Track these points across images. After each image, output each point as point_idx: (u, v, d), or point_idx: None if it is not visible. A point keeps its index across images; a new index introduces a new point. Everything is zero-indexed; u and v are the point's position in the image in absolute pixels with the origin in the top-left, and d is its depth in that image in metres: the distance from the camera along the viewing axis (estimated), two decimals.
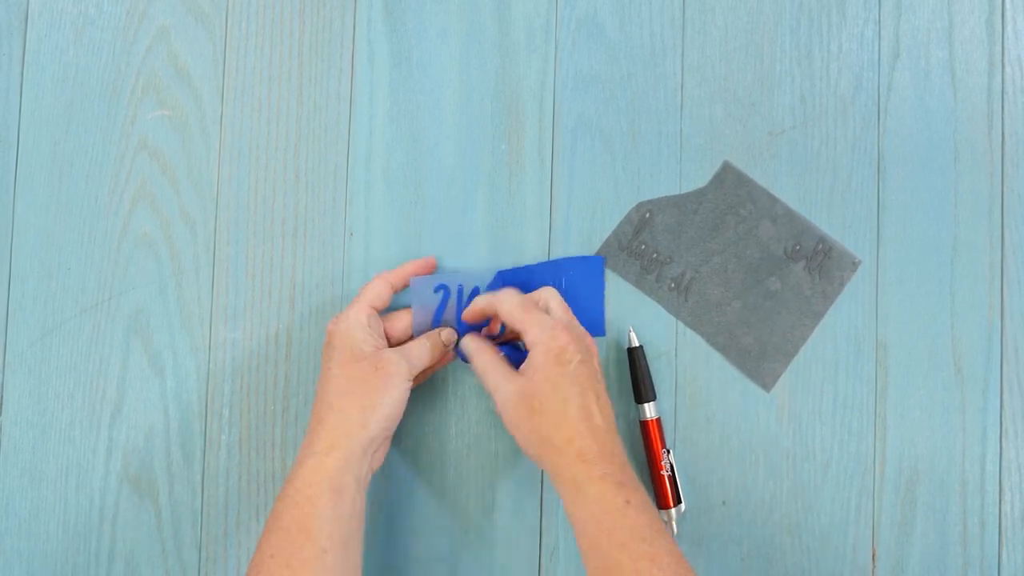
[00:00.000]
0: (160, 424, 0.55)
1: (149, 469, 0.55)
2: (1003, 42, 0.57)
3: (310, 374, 0.56)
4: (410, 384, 0.50)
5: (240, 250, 0.56)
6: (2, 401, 0.56)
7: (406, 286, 0.54)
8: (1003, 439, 0.55)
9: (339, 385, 0.49)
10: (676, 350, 0.56)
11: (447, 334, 0.53)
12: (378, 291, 0.53)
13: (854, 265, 0.56)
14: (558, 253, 0.56)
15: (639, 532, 0.45)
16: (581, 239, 0.56)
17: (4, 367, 0.56)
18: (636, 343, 0.55)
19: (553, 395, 0.47)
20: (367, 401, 0.49)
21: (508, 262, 0.56)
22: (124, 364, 0.56)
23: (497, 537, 0.55)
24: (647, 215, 0.56)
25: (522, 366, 0.49)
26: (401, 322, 0.54)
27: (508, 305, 0.50)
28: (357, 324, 0.51)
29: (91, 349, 0.56)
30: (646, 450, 0.54)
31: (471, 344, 0.52)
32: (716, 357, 0.56)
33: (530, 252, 0.56)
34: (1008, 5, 0.57)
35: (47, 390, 0.56)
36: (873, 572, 0.54)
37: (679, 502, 0.54)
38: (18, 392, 0.56)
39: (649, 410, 0.54)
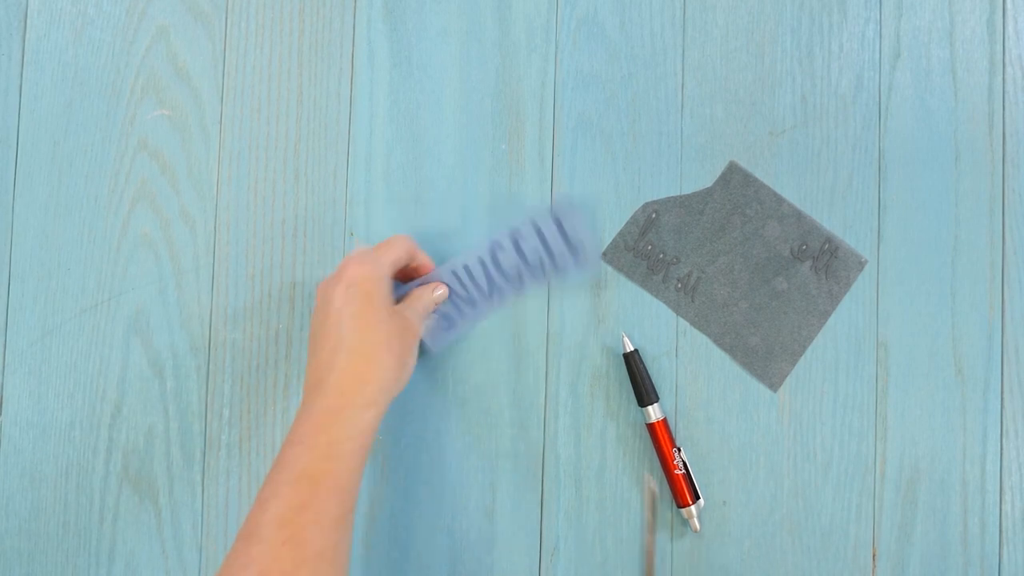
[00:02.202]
0: (160, 424, 0.55)
1: (149, 469, 0.55)
2: (1004, 42, 0.57)
3: None
4: None
5: (240, 250, 0.56)
6: (2, 401, 0.56)
7: (413, 272, 0.54)
8: (1003, 439, 0.55)
9: (377, 337, 0.46)
10: (676, 350, 0.56)
11: (440, 294, 0.53)
12: (401, 259, 0.50)
13: (860, 265, 0.56)
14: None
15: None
16: None
17: (4, 367, 0.56)
18: (630, 348, 0.54)
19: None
20: (403, 360, 0.48)
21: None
22: (124, 364, 0.56)
23: (497, 537, 0.55)
24: (653, 215, 0.56)
25: None
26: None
27: None
28: (384, 277, 0.48)
29: (91, 349, 0.56)
30: (657, 451, 0.54)
31: None
32: (717, 357, 0.56)
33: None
34: (1009, 5, 0.57)
35: (47, 390, 0.56)
36: (873, 572, 0.55)
37: (697, 498, 0.54)
38: (18, 392, 0.56)
39: (653, 412, 0.54)
